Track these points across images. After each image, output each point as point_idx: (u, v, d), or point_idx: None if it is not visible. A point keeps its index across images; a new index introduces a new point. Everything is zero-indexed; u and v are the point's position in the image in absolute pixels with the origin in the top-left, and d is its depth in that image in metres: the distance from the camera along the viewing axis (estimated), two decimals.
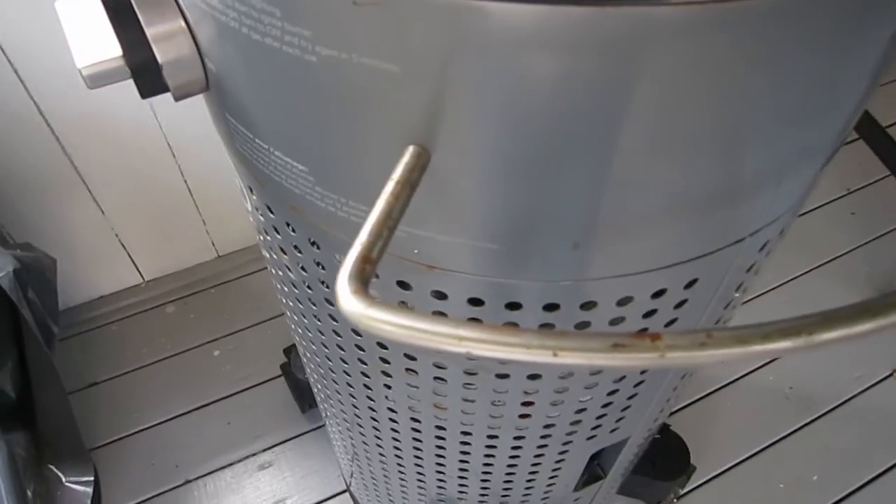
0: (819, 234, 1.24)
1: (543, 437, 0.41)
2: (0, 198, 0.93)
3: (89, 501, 0.65)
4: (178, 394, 1.03)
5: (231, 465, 0.97)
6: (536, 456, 0.44)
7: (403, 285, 0.30)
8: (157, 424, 1.00)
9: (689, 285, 0.30)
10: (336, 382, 0.46)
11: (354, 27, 0.20)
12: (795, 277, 1.19)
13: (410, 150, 0.22)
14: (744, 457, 0.97)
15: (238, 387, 1.04)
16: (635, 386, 0.38)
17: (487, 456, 0.44)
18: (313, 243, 0.32)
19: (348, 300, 0.18)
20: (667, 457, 0.80)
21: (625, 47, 0.18)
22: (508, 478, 0.48)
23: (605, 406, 0.39)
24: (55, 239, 1.01)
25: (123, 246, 1.09)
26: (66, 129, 0.90)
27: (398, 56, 0.20)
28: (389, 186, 0.21)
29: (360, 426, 0.50)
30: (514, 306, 0.29)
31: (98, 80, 0.27)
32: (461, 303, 0.29)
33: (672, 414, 1.01)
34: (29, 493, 0.56)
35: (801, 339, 0.17)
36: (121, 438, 0.99)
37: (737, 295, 0.36)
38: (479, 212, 0.25)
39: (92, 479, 0.67)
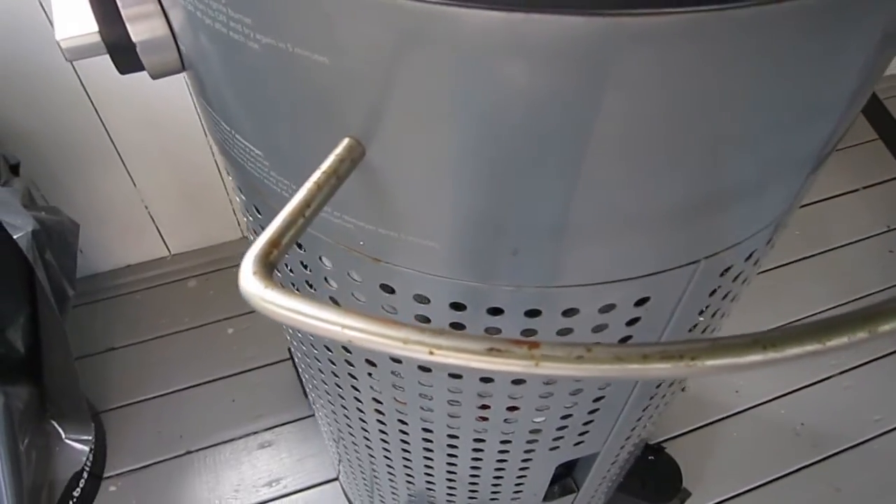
0: (853, 269, 1.20)
1: (504, 442, 0.41)
2: (39, 164, 0.97)
3: (84, 458, 0.68)
4: (190, 366, 1.06)
5: (232, 440, 0.99)
6: (499, 461, 0.44)
7: (354, 277, 0.30)
8: (166, 394, 1.04)
9: (640, 303, 0.30)
10: (311, 368, 0.47)
11: (287, 17, 0.20)
12: (820, 312, 1.15)
13: (345, 142, 0.23)
14: (744, 489, 0.95)
15: (246, 366, 1.06)
16: (595, 401, 0.38)
17: (450, 456, 0.45)
18: None
19: (248, 281, 0.19)
20: (658, 479, 0.79)
21: (550, 52, 0.18)
22: (473, 480, 0.48)
23: (564, 418, 0.39)
24: (88, 207, 1.05)
25: (153, 219, 1.13)
26: (106, 103, 0.93)
27: (327, 48, 0.20)
28: (315, 176, 0.22)
29: (335, 413, 0.51)
30: (458, 306, 0.29)
31: (75, 53, 0.28)
32: (408, 299, 0.30)
33: (673, 438, 0.99)
34: (23, 444, 0.58)
35: (682, 363, 0.17)
36: (131, 404, 1.03)
37: (701, 318, 0.35)
38: (415, 209, 0.25)
39: (91, 438, 0.69)
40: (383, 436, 0.46)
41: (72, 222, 0.77)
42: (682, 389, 1.06)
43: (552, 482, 0.57)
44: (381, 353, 0.25)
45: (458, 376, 0.35)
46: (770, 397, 1.05)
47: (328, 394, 0.48)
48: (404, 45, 0.19)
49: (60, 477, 0.66)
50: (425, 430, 0.42)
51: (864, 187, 1.33)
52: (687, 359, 0.17)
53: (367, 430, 0.48)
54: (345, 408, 0.47)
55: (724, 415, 1.03)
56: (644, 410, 0.44)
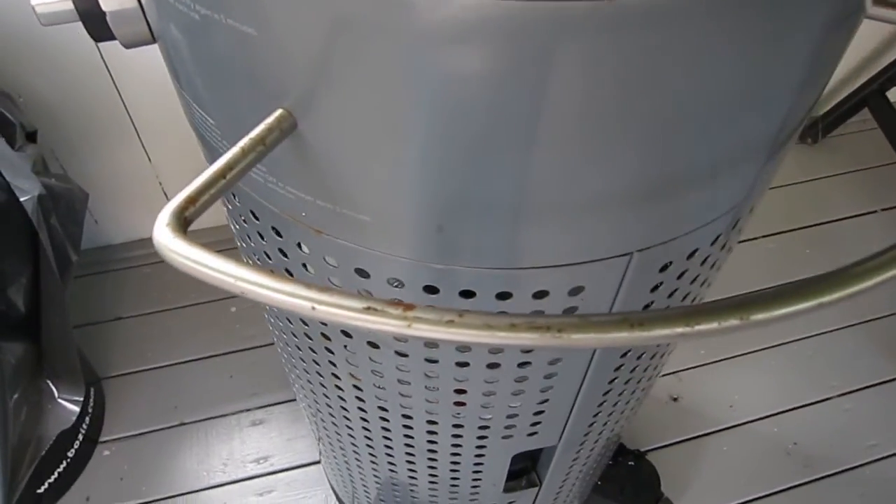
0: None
1: (456, 426, 0.42)
2: (59, 135, 1.00)
3: (75, 418, 0.70)
4: (191, 341, 1.09)
5: (225, 416, 1.01)
6: (454, 446, 0.45)
7: (300, 247, 0.32)
8: (166, 366, 1.06)
9: (575, 292, 0.30)
10: (288, 346, 0.48)
11: None
12: (826, 332, 1.13)
13: (277, 113, 0.24)
14: None
15: (246, 344, 1.08)
16: (542, 391, 0.39)
17: (406, 437, 0.46)
18: (234, 195, 0.34)
19: (160, 231, 0.20)
20: (637, 485, 0.79)
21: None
22: (432, 464, 0.49)
23: (512, 406, 0.40)
24: (104, 179, 1.08)
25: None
26: (125, 78, 0.96)
27: (252, 20, 0.21)
28: (242, 141, 0.23)
29: (314, 394, 0.52)
30: (395, 282, 0.30)
31: (49, 18, 0.30)
32: (349, 272, 0.31)
33: (661, 448, 0.99)
34: (14, 398, 0.61)
35: (549, 334, 0.18)
36: (132, 372, 1.06)
37: None
38: (347, 182, 0.26)
39: (81, 399, 0.72)
40: (344, 412, 0.47)
41: (81, 191, 0.80)
42: (675, 400, 1.06)
43: (519, 475, 0.58)
44: (286, 311, 0.25)
45: (405, 355, 0.36)
46: (765, 414, 1.04)
47: (307, 371, 0.49)
48: (328, 24, 0.20)
49: (49, 433, 0.68)
50: (381, 408, 0.43)
51: (883, 209, 1.31)
52: (553, 330, 0.18)
53: (330, 407, 0.49)
54: (310, 382, 0.48)
55: (716, 428, 1.02)
56: (600, 406, 0.44)
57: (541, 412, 0.41)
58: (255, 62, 0.23)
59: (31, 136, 0.80)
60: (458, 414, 0.41)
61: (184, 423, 1.01)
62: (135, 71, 0.96)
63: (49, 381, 0.71)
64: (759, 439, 1.01)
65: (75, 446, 0.90)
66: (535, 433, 0.44)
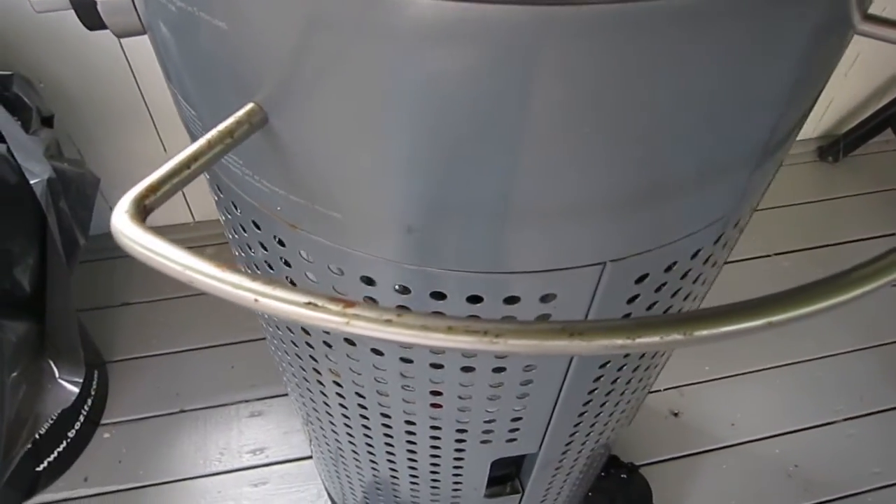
0: (876, 315, 1.16)
1: (434, 427, 0.42)
2: (77, 121, 1.02)
3: (73, 398, 0.71)
4: (196, 329, 1.10)
5: (225, 405, 1.02)
6: (433, 447, 0.45)
7: (281, 242, 0.32)
8: (170, 353, 1.08)
9: (547, 299, 0.30)
10: (275, 339, 0.48)
11: None
12: (837, 354, 1.11)
13: (248, 106, 0.24)
14: None
15: (248, 335, 1.09)
16: (520, 398, 0.38)
17: (386, 436, 0.46)
18: (218, 187, 0.34)
19: (118, 217, 0.21)
20: (628, 498, 0.78)
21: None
22: (412, 464, 0.49)
23: (490, 411, 0.40)
24: (119, 166, 1.10)
25: None
26: (143, 67, 0.98)
27: (224, 15, 0.22)
28: (210, 133, 0.23)
29: (300, 387, 0.52)
30: (368, 281, 0.30)
31: (42, 5, 0.30)
32: (324, 269, 0.31)
33: (658, 462, 0.97)
34: (12, 375, 0.62)
35: (486, 339, 0.18)
36: (136, 358, 1.07)
37: None
38: (319, 179, 0.26)
39: (81, 380, 0.73)
40: (326, 407, 0.48)
41: (93, 176, 0.81)
42: (676, 415, 1.04)
43: (504, 480, 0.58)
44: (232, 301, 0.25)
45: (381, 353, 0.36)
46: (767, 434, 1.02)
47: (291, 365, 0.49)
48: (296, 22, 0.21)
49: (48, 412, 0.69)
50: (360, 405, 0.43)
51: None
52: (491, 335, 0.18)
53: (314, 402, 0.49)
54: (307, 380, 0.48)
55: (716, 446, 1.01)
56: (581, 416, 0.44)
57: (518, 419, 0.41)
58: (227, 56, 0.23)
59: (48, 121, 0.82)
60: (436, 416, 0.41)
61: (184, 411, 1.02)
62: (152, 61, 0.97)
63: (51, 361, 0.73)
64: (759, 460, 0.99)
65: (76, 427, 0.92)
66: (514, 440, 0.44)
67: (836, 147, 1.38)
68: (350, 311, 0.18)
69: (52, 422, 0.86)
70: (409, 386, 0.38)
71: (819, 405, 1.05)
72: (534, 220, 0.26)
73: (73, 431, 0.91)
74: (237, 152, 0.28)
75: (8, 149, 0.66)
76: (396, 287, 0.30)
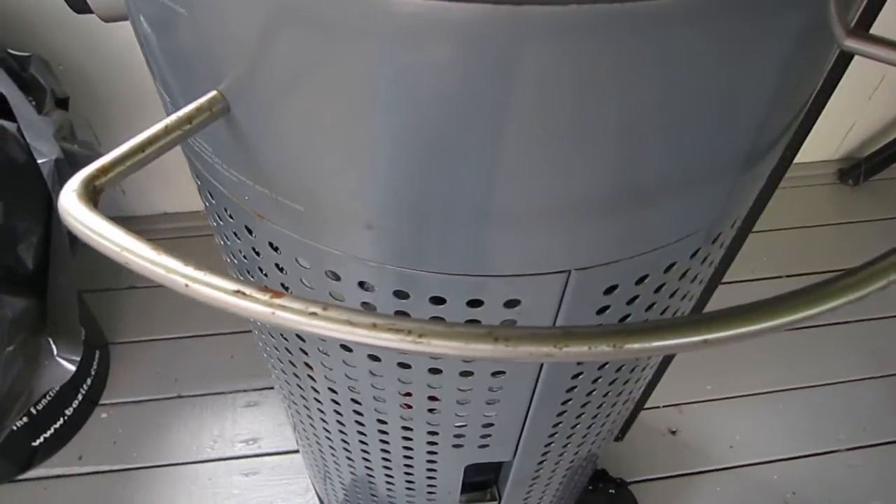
0: (885, 345, 1.13)
1: (405, 428, 0.42)
2: (94, 105, 1.04)
3: (69, 376, 0.72)
4: (199, 317, 1.11)
5: (222, 393, 1.03)
6: (406, 448, 0.45)
7: (250, 232, 0.32)
8: (171, 338, 1.09)
9: (511, 305, 0.30)
10: (255, 330, 0.49)
11: None
12: (843, 382, 1.09)
13: (210, 94, 0.24)
14: None
15: (249, 326, 1.10)
16: (490, 404, 0.38)
17: (360, 433, 0.45)
18: (196, 175, 0.34)
19: (65, 195, 0.21)
20: None
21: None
22: (386, 463, 0.49)
23: (459, 415, 0.39)
24: None
25: None
26: None
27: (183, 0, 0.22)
28: (168, 119, 0.23)
29: (271, 372, 0.52)
30: (334, 276, 0.30)
31: None
32: (291, 261, 0.31)
33: (652, 480, 0.96)
34: (8, 349, 0.63)
35: (409, 338, 0.17)
36: (139, 341, 1.08)
37: None
38: (281, 170, 0.26)
39: (79, 359, 0.74)
40: (304, 401, 0.48)
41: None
42: (673, 433, 1.03)
43: (483, 487, 0.57)
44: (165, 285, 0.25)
45: (349, 349, 0.36)
46: (766, 459, 1.00)
47: (270, 357, 0.49)
48: (255, 11, 0.20)
49: (42, 388, 0.71)
50: (334, 401, 0.43)
51: None
52: (415, 335, 0.17)
53: (292, 395, 0.49)
54: (284, 372, 0.48)
55: (713, 467, 0.99)
56: (556, 427, 0.43)
57: (490, 425, 0.41)
58: (189, 42, 0.23)
59: (62, 103, 0.83)
60: (407, 417, 0.41)
61: (181, 396, 1.03)
62: None
63: (50, 339, 0.74)
64: (756, 484, 0.97)
65: (73, 405, 0.93)
66: (487, 446, 0.43)
67: (856, 170, 1.36)
68: (276, 301, 0.18)
69: (50, 398, 0.88)
70: (377, 385, 0.38)
71: (821, 433, 1.03)
72: (495, 224, 0.25)
73: (71, 409, 0.93)
74: (207, 140, 0.28)
75: (18, 128, 0.68)
76: (360, 284, 0.30)
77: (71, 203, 0.20)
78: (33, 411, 0.86)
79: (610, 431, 0.56)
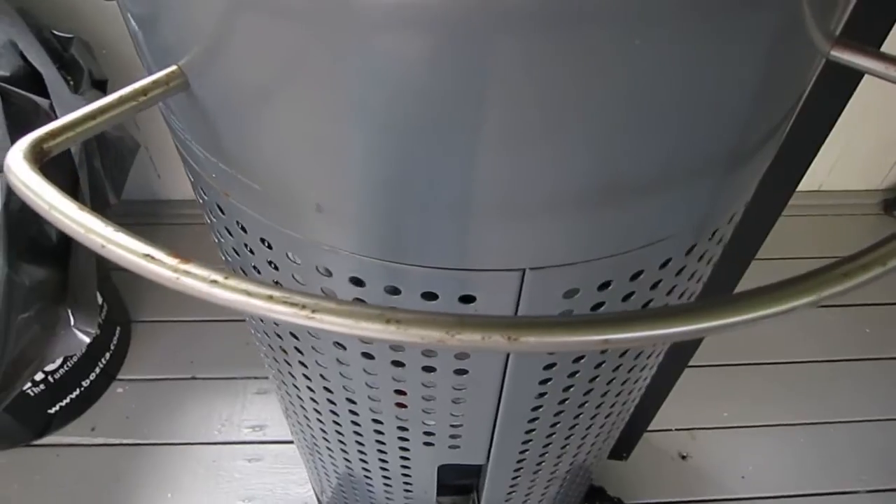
0: None
1: (375, 421, 0.42)
2: None
3: (83, 348, 0.75)
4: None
5: (234, 379, 1.05)
6: (378, 442, 0.45)
7: (221, 209, 0.32)
8: (191, 321, 1.11)
9: (466, 300, 0.29)
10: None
11: None
12: (870, 421, 1.04)
13: (169, 69, 0.25)
14: None
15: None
16: (456, 403, 0.38)
17: (335, 423, 0.46)
18: (179, 153, 0.35)
19: (12, 155, 0.21)
20: None
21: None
22: (362, 456, 0.49)
23: (426, 412, 0.39)
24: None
25: None
26: None
27: None
28: (124, 90, 0.24)
29: (272, 368, 0.53)
30: (291, 258, 0.30)
31: None
32: (255, 240, 0.31)
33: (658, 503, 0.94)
34: (22, 316, 0.66)
35: (302, 313, 0.17)
36: (160, 321, 1.11)
37: None
38: (236, 147, 0.26)
39: (94, 332, 0.76)
40: (286, 387, 0.48)
41: (133, 141, 0.85)
42: (683, 458, 1.00)
43: (467, 491, 0.57)
44: (84, 244, 0.25)
45: (316, 337, 0.36)
46: (778, 493, 0.96)
47: (261, 344, 0.50)
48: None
49: (55, 355, 0.73)
50: (308, 388, 0.43)
51: None
52: (308, 310, 0.17)
53: (281, 383, 0.50)
54: (266, 356, 0.49)
55: (722, 497, 0.96)
56: (530, 434, 0.43)
57: (458, 426, 0.40)
58: (152, 17, 0.24)
59: (100, 85, 0.86)
60: (377, 409, 0.41)
61: (195, 378, 1.05)
62: None
63: (69, 310, 0.76)
64: None
65: (91, 378, 0.96)
66: (458, 447, 0.43)
67: None
68: (182, 266, 0.18)
69: (68, 368, 0.91)
70: (346, 374, 0.38)
71: (842, 472, 0.99)
72: (444, 216, 0.25)
73: (88, 381, 0.96)
74: (178, 117, 0.29)
75: (51, 104, 0.70)
76: (318, 268, 0.30)
77: (15, 160, 0.21)
78: (51, 380, 0.89)
79: (599, 447, 0.55)
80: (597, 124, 0.22)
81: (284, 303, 0.17)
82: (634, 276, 0.31)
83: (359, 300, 0.31)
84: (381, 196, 0.25)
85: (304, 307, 0.17)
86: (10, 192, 0.60)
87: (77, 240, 0.19)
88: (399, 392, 0.38)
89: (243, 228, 0.31)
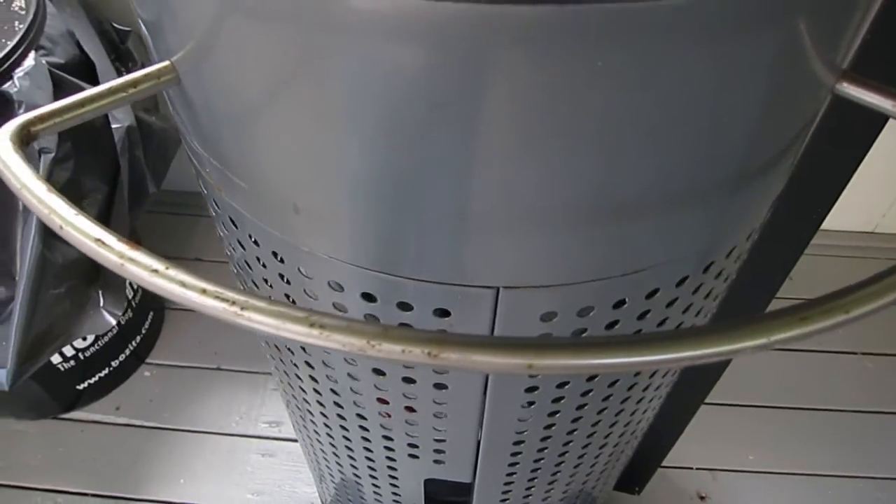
0: None
1: (362, 427, 0.42)
2: None
3: (109, 329, 0.78)
4: None
5: (256, 373, 1.07)
6: (366, 449, 0.45)
7: (217, 204, 0.33)
8: None
9: (441, 314, 0.29)
10: None
11: None
12: (876, 478, 0.98)
13: (162, 64, 0.25)
14: None
15: None
16: (438, 417, 0.37)
17: (326, 426, 0.46)
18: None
19: (1, 132, 0.22)
20: None
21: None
22: (353, 462, 0.49)
23: (410, 424, 0.39)
24: None
25: None
26: None
27: None
28: (116, 81, 0.25)
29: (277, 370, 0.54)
30: (280, 258, 0.31)
31: None
32: (245, 237, 0.32)
33: None
34: (52, 290, 0.68)
35: (232, 309, 0.18)
36: (192, 310, 1.14)
37: None
38: (224, 145, 0.27)
39: (121, 314, 0.79)
40: (287, 385, 0.49)
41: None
42: (702, 498, 0.97)
43: None
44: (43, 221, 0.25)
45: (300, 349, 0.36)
46: None
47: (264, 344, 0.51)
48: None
49: (82, 332, 0.76)
50: (301, 388, 0.44)
51: None
52: (237, 307, 0.17)
53: (280, 377, 0.50)
54: (272, 356, 0.50)
55: None
56: (516, 457, 0.42)
57: (442, 441, 0.40)
58: (154, 13, 0.25)
59: None
60: (363, 416, 0.41)
61: (220, 369, 1.07)
62: None
63: (100, 291, 0.79)
64: None
65: (120, 359, 0.99)
66: (442, 462, 0.43)
67: None
68: (129, 254, 0.18)
69: (99, 347, 0.94)
70: (330, 376, 0.38)
71: None
72: (412, 226, 0.25)
73: (117, 362, 0.99)
74: (177, 110, 0.30)
75: None
76: (300, 270, 0.30)
77: (1, 139, 0.22)
78: (82, 357, 0.92)
79: (598, 478, 0.54)
80: (581, 148, 0.22)
81: (216, 297, 0.17)
82: (617, 305, 0.30)
83: (338, 305, 0.31)
84: (353, 201, 0.25)
85: (233, 303, 0.17)
86: (49, 175, 0.63)
87: (41, 219, 0.20)
88: (381, 401, 0.37)
89: (234, 224, 0.32)
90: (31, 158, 0.61)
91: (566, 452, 0.44)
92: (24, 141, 0.23)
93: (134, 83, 0.25)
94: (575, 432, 0.41)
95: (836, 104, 0.27)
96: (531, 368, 0.16)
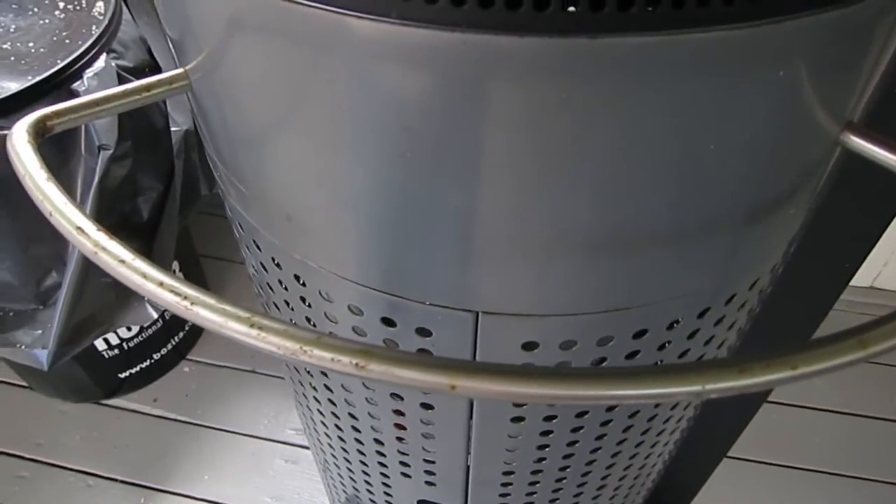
0: None
1: (357, 441, 0.42)
2: None
3: (150, 321, 0.82)
4: None
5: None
6: (362, 462, 0.45)
7: (230, 208, 0.35)
8: None
9: (423, 334, 0.29)
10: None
11: None
12: None
13: (176, 70, 0.27)
14: None
15: None
16: (426, 438, 0.37)
17: (326, 435, 0.46)
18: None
19: (18, 126, 0.24)
20: None
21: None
22: (352, 476, 0.49)
23: (401, 440, 0.39)
24: None
25: None
26: None
27: None
28: (132, 84, 0.26)
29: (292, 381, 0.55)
30: (273, 262, 0.32)
31: None
32: (250, 242, 0.33)
33: None
34: (101, 279, 0.73)
35: (183, 303, 0.18)
36: None
37: None
38: (228, 149, 0.28)
39: (163, 308, 0.83)
40: (302, 388, 0.50)
41: None
42: None
43: None
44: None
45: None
46: None
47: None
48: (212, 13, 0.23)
49: (124, 322, 0.80)
50: (303, 394, 0.44)
51: None
52: (188, 301, 0.18)
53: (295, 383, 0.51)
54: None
55: None
56: (506, 487, 0.41)
57: (431, 462, 0.40)
58: (175, 18, 0.26)
59: None
60: (359, 428, 0.41)
61: (255, 372, 1.10)
62: None
63: None
64: None
65: (162, 352, 1.04)
66: (433, 484, 0.42)
67: None
68: (103, 243, 0.20)
69: (143, 339, 0.98)
70: (329, 385, 0.39)
71: None
72: (399, 243, 0.26)
73: (159, 355, 1.03)
74: (196, 114, 0.31)
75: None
76: (296, 277, 0.31)
77: (18, 129, 0.24)
78: (126, 347, 0.97)
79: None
80: (574, 186, 0.21)
81: (171, 291, 0.18)
82: (602, 342, 0.29)
83: (327, 316, 0.32)
84: (342, 214, 0.26)
85: (185, 298, 0.18)
86: (107, 171, 0.67)
87: (36, 205, 0.21)
88: (372, 416, 0.38)
89: (241, 227, 0.33)
90: (91, 153, 0.65)
91: (560, 490, 0.43)
92: (39, 133, 0.25)
93: (147, 87, 0.26)
94: (567, 469, 0.40)
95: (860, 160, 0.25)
96: (455, 390, 0.17)
